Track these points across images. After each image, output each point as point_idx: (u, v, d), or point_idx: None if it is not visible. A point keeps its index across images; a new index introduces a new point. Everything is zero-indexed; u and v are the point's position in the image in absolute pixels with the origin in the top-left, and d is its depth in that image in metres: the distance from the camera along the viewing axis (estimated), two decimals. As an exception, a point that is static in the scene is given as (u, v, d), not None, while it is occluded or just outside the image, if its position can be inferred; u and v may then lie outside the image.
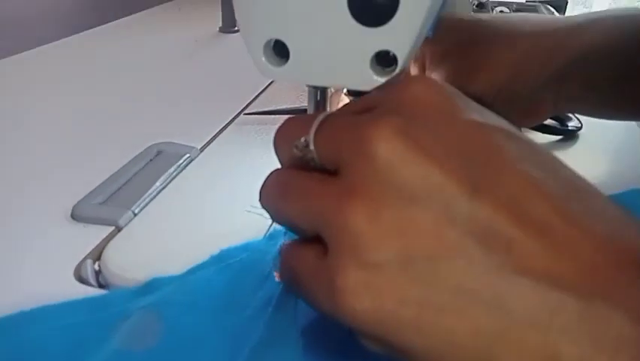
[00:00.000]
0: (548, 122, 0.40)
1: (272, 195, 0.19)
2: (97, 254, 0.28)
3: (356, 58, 0.22)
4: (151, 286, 0.22)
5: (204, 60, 0.63)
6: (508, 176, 0.15)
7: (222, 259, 0.24)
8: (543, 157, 0.17)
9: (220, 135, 0.42)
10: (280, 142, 0.20)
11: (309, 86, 0.27)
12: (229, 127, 0.43)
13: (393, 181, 0.15)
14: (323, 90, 0.26)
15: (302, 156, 0.18)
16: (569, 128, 0.41)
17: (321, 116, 0.18)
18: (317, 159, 0.18)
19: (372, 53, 0.22)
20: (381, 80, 0.22)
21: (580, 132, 0.42)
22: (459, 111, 0.17)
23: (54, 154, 0.39)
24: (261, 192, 0.20)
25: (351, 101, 0.21)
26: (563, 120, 0.42)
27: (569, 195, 0.16)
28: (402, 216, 0.15)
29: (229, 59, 0.63)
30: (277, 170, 0.20)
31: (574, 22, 0.32)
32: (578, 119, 0.42)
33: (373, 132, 0.16)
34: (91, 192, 0.33)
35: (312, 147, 0.18)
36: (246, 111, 0.45)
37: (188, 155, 0.38)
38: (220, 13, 0.72)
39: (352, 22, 0.21)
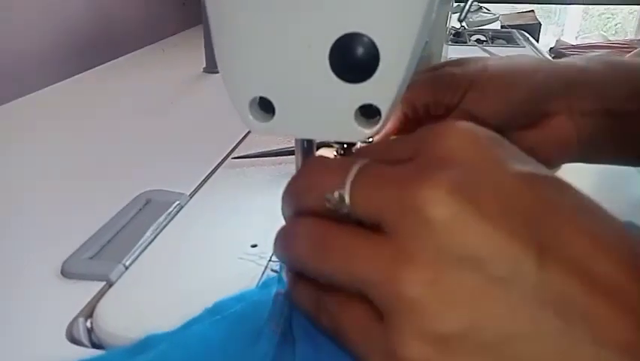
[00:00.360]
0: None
1: (304, 248, 0.18)
2: (89, 312, 0.28)
3: (340, 112, 0.22)
4: (145, 344, 0.22)
5: (190, 102, 0.64)
6: (570, 234, 0.15)
7: (217, 312, 0.24)
8: (592, 205, 0.16)
9: (209, 180, 0.42)
10: (303, 191, 0.19)
11: (295, 140, 0.27)
12: (217, 171, 0.44)
13: (452, 245, 0.15)
14: (309, 143, 0.27)
15: (334, 210, 0.17)
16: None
17: (355, 167, 0.18)
18: (353, 214, 0.17)
19: (355, 107, 0.22)
20: (367, 131, 0.23)
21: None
22: (502, 163, 0.16)
23: (40, 208, 0.38)
24: (284, 242, 0.19)
25: (374, 143, 0.21)
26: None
27: (628, 247, 0.15)
28: (465, 283, 0.14)
29: (215, 100, 0.64)
30: (305, 219, 0.19)
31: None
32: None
33: (426, 193, 0.15)
34: (80, 247, 0.32)
35: (347, 201, 0.17)
36: (234, 155, 0.46)
37: (177, 202, 0.38)
38: (203, 54, 0.73)
39: (335, 79, 0.21)
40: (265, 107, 0.24)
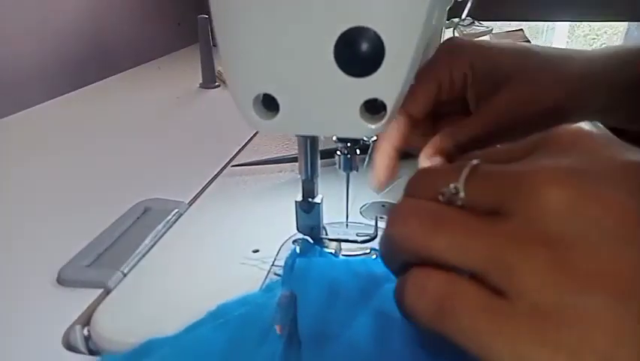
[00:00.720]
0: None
1: (413, 224, 0.18)
2: (86, 319, 0.27)
3: (345, 107, 0.22)
4: (146, 349, 0.22)
5: (187, 115, 0.64)
6: None
7: (220, 315, 0.23)
8: None
9: (207, 188, 0.41)
10: (416, 191, 0.20)
11: (298, 136, 0.27)
12: (216, 180, 0.43)
13: (568, 227, 0.15)
14: (313, 139, 0.27)
15: (448, 204, 0.18)
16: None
17: (469, 164, 0.18)
18: (468, 203, 0.18)
19: (361, 102, 0.22)
20: (372, 127, 0.23)
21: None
22: (617, 151, 0.17)
23: (37, 216, 0.38)
24: (398, 218, 0.19)
25: (488, 150, 0.21)
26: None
27: None
28: (580, 265, 0.15)
29: (212, 113, 0.64)
30: (421, 201, 0.19)
31: (619, 53, 0.32)
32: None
33: (544, 177, 0.16)
34: (77, 255, 0.32)
35: (462, 194, 0.18)
36: (233, 163, 0.45)
37: (176, 210, 0.37)
38: (199, 69, 0.74)
39: (340, 73, 0.21)
40: (268, 105, 0.24)
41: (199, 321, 0.23)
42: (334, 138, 0.27)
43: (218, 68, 0.76)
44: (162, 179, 0.43)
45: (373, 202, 0.38)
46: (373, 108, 0.23)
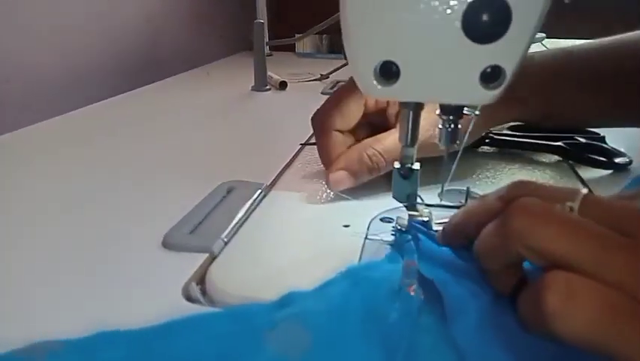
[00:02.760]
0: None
1: (553, 228, 0.19)
2: (199, 278, 0.28)
3: (466, 74, 0.24)
4: (289, 299, 0.23)
5: (246, 113, 0.66)
6: None
7: (350, 276, 0.24)
8: None
9: (286, 171, 0.43)
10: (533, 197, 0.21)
11: (403, 107, 0.28)
12: (294, 163, 0.45)
13: None
14: (416, 108, 0.28)
15: None
16: (620, 163, 0.43)
17: (581, 193, 0.20)
18: None
19: (481, 69, 0.23)
20: (491, 93, 0.24)
21: (630, 167, 0.43)
22: None
23: (135, 192, 0.40)
24: (526, 218, 0.19)
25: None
26: (611, 156, 0.44)
27: None
28: None
29: (272, 110, 0.66)
30: (548, 205, 0.20)
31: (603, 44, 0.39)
32: (627, 156, 0.44)
33: None
34: (176, 224, 0.33)
35: (576, 211, 0.20)
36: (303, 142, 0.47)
37: (260, 190, 0.39)
38: (248, 75, 0.76)
39: (465, 40, 0.23)
40: (386, 72, 0.25)
41: (332, 280, 0.24)
42: (437, 112, 0.28)
43: (269, 72, 0.78)
44: (239, 163, 0.45)
45: (450, 189, 0.39)
46: (490, 76, 0.24)
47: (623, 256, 0.17)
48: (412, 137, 0.28)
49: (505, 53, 0.23)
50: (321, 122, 0.38)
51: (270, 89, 0.77)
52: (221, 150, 0.50)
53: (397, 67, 0.24)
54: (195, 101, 0.71)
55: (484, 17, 0.22)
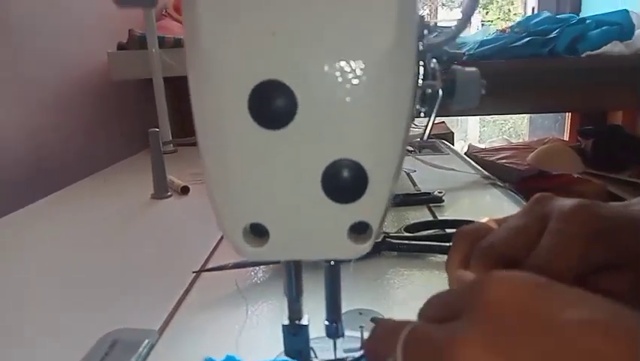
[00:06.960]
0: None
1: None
2: None
3: (333, 231, 0.23)
4: None
5: (142, 230, 0.62)
6: None
7: None
8: None
9: (179, 309, 0.40)
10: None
11: (283, 263, 0.28)
12: (186, 298, 0.42)
13: None
14: (297, 265, 0.27)
15: None
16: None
17: (406, 329, 0.21)
18: None
19: (348, 225, 0.23)
20: (360, 247, 0.24)
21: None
22: (553, 310, 0.18)
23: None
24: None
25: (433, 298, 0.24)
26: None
27: None
28: None
29: (168, 226, 0.63)
30: None
31: None
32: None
33: (463, 351, 0.18)
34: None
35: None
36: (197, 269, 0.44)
37: (147, 340, 0.35)
38: (147, 180, 0.73)
39: (328, 200, 0.23)
40: (257, 232, 0.24)
41: None
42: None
43: (169, 176, 0.76)
44: (126, 304, 0.41)
45: (348, 310, 0.38)
46: (359, 228, 0.24)
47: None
48: (297, 290, 0.27)
49: (368, 210, 0.23)
50: None
51: (171, 195, 0.74)
52: (109, 286, 0.46)
53: (266, 228, 0.24)
54: (87, 216, 0.67)
55: (342, 180, 0.22)
